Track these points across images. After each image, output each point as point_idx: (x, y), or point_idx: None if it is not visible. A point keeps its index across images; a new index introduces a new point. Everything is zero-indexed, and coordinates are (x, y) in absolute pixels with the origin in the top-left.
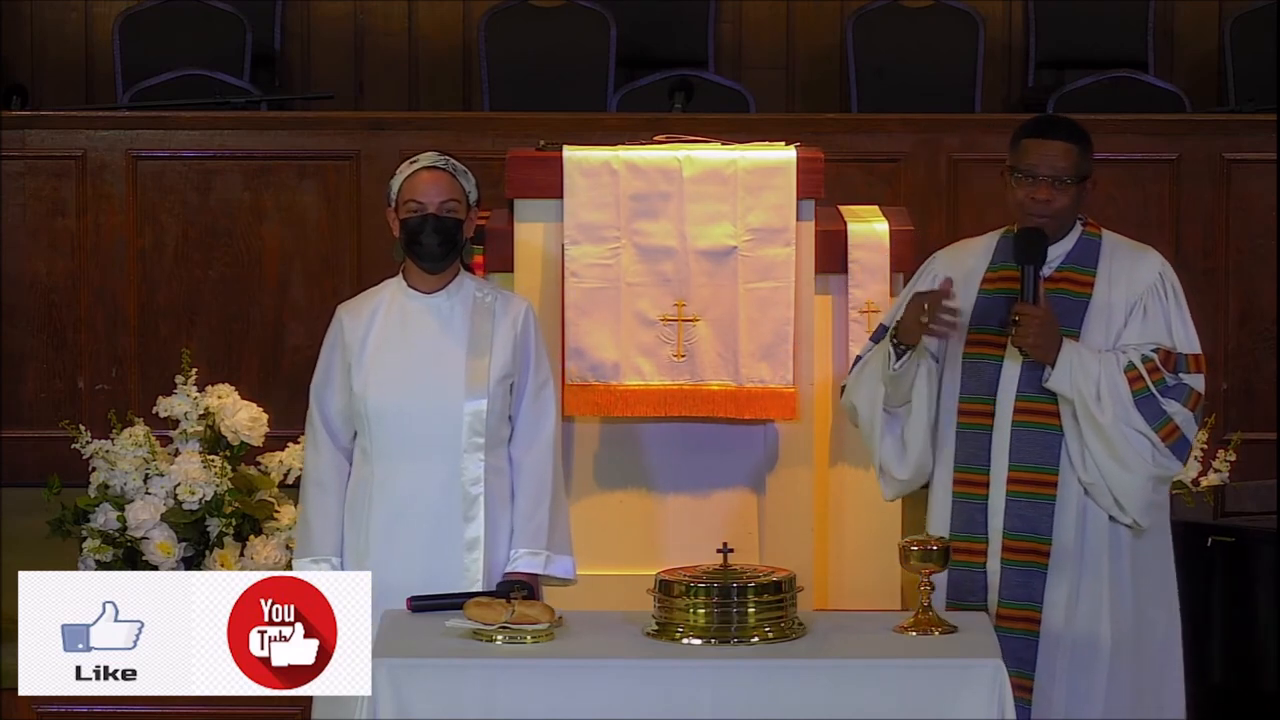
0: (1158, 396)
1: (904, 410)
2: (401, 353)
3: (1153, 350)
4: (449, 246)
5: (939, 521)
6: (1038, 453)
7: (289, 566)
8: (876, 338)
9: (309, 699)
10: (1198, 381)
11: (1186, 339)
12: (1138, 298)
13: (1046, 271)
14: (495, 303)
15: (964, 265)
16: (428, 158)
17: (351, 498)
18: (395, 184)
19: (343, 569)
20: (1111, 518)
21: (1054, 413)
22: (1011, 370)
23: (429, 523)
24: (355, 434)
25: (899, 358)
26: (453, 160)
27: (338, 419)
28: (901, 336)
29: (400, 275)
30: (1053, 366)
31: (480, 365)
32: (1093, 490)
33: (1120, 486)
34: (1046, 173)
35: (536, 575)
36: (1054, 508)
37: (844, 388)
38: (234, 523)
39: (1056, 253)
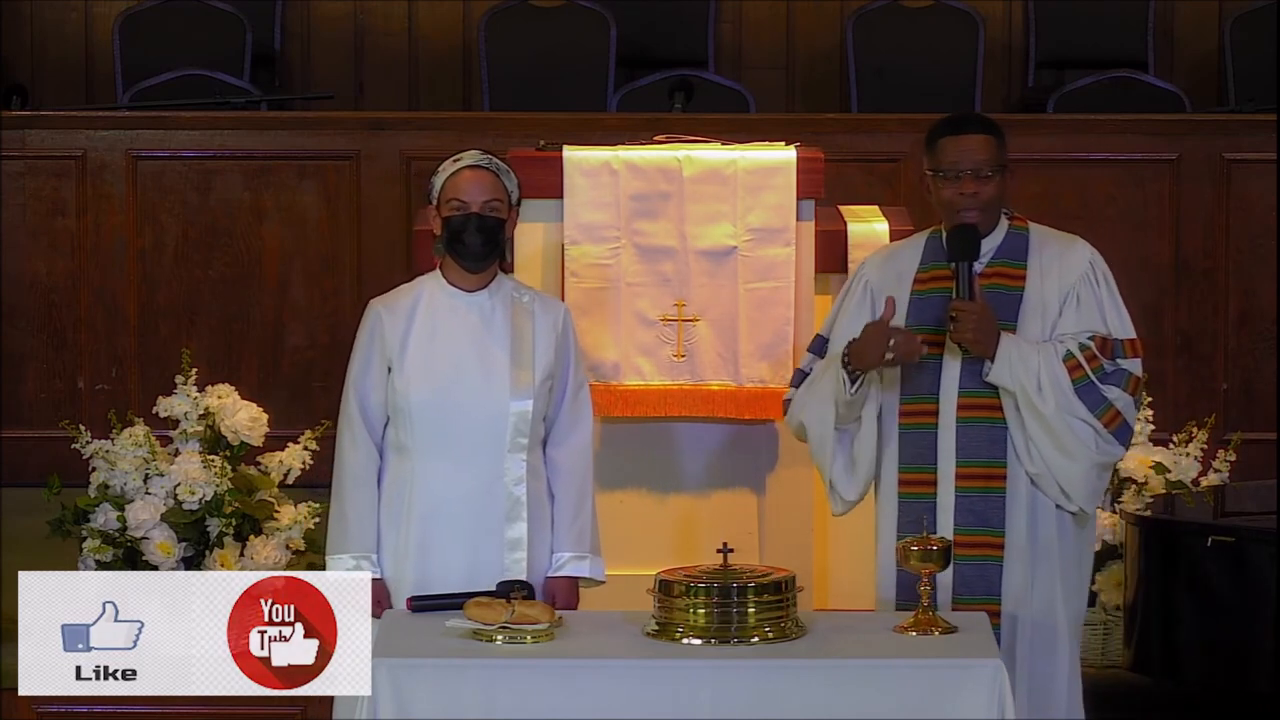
0: (1097, 384)
1: (853, 427)
2: (445, 350)
3: (1089, 338)
4: (491, 246)
5: (886, 523)
6: (985, 447)
7: (289, 566)
8: (815, 349)
9: (309, 699)
10: (1135, 366)
11: (1121, 324)
12: (1070, 287)
13: (978, 267)
14: (534, 304)
15: (894, 269)
16: (471, 156)
17: (388, 494)
18: (438, 181)
19: (380, 565)
20: (1058, 506)
21: (997, 406)
22: (952, 367)
23: (470, 521)
24: (384, 430)
25: (854, 383)
26: (496, 159)
27: (376, 413)
28: (857, 364)
29: (438, 272)
30: (992, 360)
31: (525, 365)
32: (1039, 480)
33: (1065, 475)
34: (969, 167)
35: (579, 579)
36: (1005, 500)
37: (786, 402)
38: (234, 523)
39: (986, 248)
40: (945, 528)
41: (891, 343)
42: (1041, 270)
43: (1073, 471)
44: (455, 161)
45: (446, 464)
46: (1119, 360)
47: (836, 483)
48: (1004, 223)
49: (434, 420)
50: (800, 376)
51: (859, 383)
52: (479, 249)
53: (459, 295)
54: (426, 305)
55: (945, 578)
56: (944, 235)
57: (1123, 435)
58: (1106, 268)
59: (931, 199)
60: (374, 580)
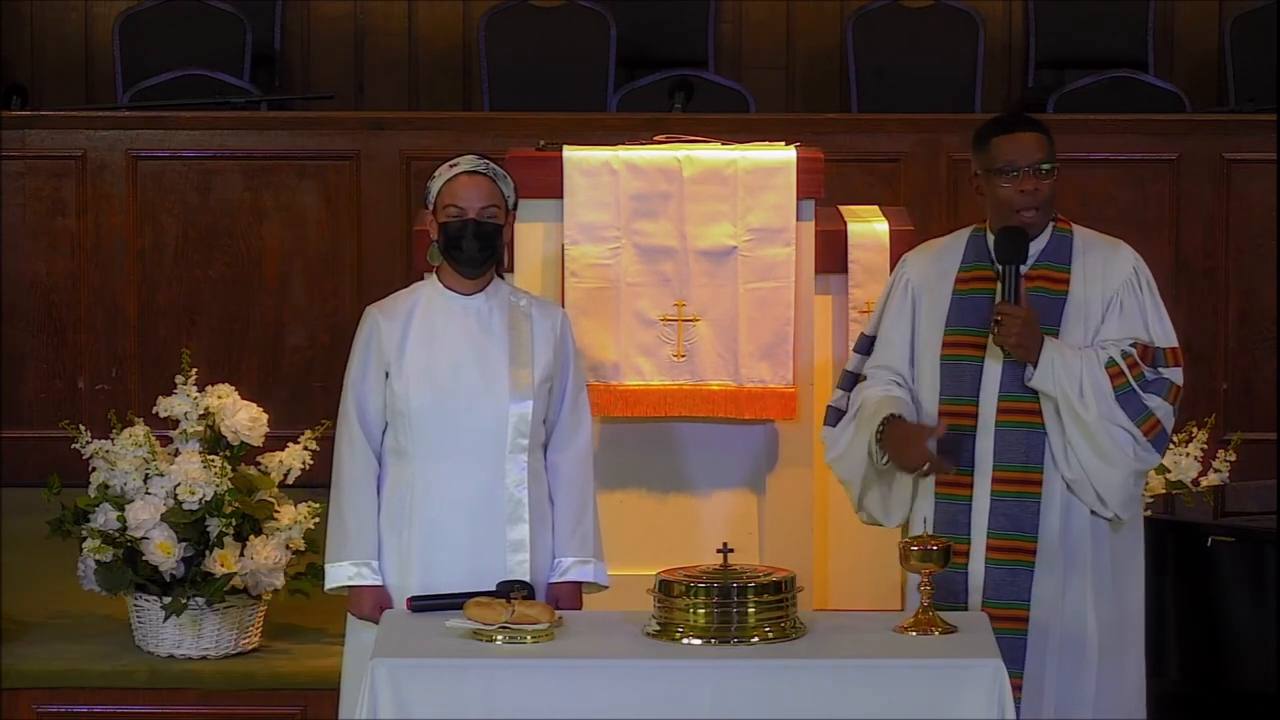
0: (1139, 392)
1: (889, 475)
2: (443, 353)
3: (1131, 345)
4: (488, 252)
5: (920, 522)
6: (1022, 451)
7: (289, 566)
8: (861, 349)
9: (309, 699)
10: (1176, 375)
11: (1163, 333)
12: (1114, 293)
13: (1023, 269)
14: (531, 307)
15: (936, 268)
16: (468, 161)
17: (389, 498)
18: (434, 187)
19: (381, 572)
20: (1093, 512)
21: (1037, 411)
22: (993, 370)
23: (471, 525)
24: (383, 435)
25: (884, 457)
26: (493, 164)
27: (374, 419)
28: (890, 455)
29: (435, 277)
30: (1035, 365)
31: (524, 367)
32: (1075, 486)
33: (1103, 482)
34: (1027, 163)
35: (583, 584)
36: (1039, 505)
37: (830, 409)
38: (234, 523)
39: (1032, 250)
40: (979, 530)
41: (926, 466)
42: (1085, 274)
43: (1111, 478)
44: (452, 167)
45: (447, 467)
46: (1160, 369)
47: (871, 512)
48: (1049, 224)
49: (433, 424)
50: (850, 379)
51: (888, 459)
52: (476, 255)
53: (456, 299)
54: (424, 309)
55: (976, 580)
56: (988, 236)
57: (1160, 443)
58: (1150, 274)
59: (983, 200)
60: (376, 588)
